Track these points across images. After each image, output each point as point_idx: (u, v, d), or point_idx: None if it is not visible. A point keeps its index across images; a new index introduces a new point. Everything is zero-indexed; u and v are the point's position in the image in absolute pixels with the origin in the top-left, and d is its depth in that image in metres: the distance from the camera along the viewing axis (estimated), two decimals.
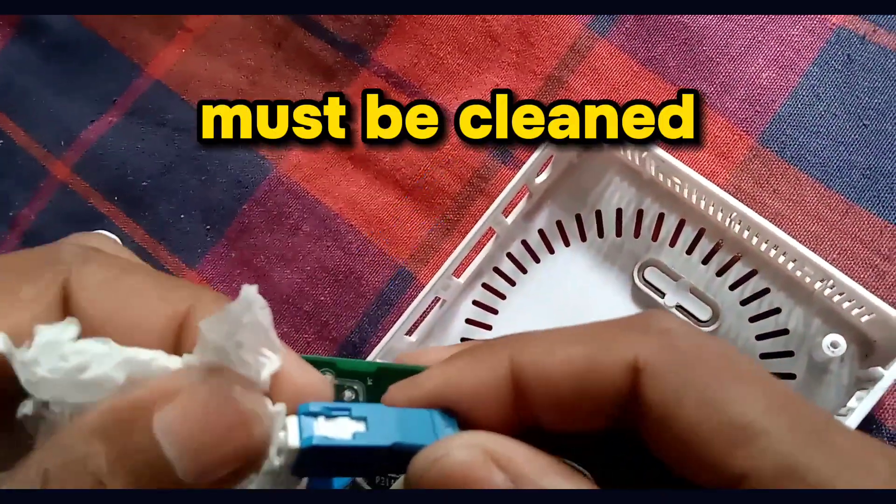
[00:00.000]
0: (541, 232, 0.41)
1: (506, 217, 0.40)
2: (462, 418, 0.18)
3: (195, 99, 0.48)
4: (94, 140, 0.49)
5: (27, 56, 0.51)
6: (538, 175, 0.40)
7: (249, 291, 0.16)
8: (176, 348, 0.18)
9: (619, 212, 0.40)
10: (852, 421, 0.32)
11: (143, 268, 0.20)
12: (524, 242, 0.41)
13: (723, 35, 0.42)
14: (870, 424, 0.35)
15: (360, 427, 0.17)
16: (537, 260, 0.41)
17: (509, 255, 0.41)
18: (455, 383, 0.18)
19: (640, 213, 0.40)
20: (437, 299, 0.40)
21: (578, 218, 0.41)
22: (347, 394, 0.20)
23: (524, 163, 0.39)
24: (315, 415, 0.17)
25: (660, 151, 0.37)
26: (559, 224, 0.41)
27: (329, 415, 0.17)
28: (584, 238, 0.40)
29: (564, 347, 0.17)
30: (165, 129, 0.48)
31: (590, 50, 0.43)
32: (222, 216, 0.46)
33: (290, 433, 0.16)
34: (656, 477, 0.17)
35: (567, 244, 0.41)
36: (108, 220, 0.47)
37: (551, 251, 0.41)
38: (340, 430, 0.17)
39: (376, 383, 0.20)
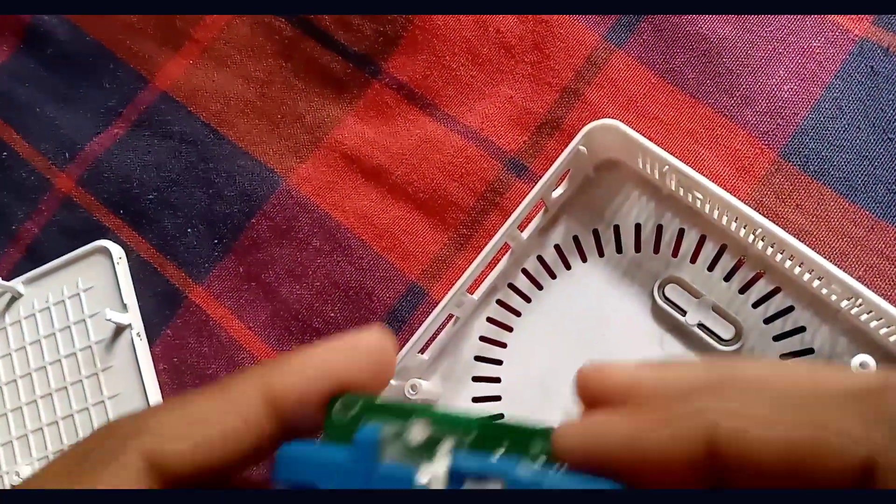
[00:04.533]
0: (557, 247, 0.40)
1: (521, 232, 0.39)
2: (643, 477, 0.16)
3: (202, 111, 0.47)
4: (98, 152, 0.48)
5: (31, 67, 0.50)
6: (554, 189, 0.39)
7: None
8: None
9: (637, 227, 0.39)
10: None
11: None
12: (540, 258, 0.40)
13: (743, 47, 0.41)
14: None
15: None
16: (553, 276, 0.40)
17: (524, 271, 0.40)
18: (641, 444, 0.15)
19: (659, 229, 0.39)
20: (450, 316, 0.39)
21: (596, 233, 0.40)
22: (446, 445, 0.17)
23: (539, 176, 0.38)
24: (467, 474, 0.15)
25: (680, 165, 0.36)
26: (576, 239, 0.40)
27: (481, 476, 0.15)
28: (601, 254, 0.39)
29: (781, 424, 0.14)
30: (172, 141, 0.47)
31: (606, 61, 0.42)
32: (230, 230, 0.45)
33: (436, 478, 0.15)
34: None
35: (584, 260, 0.39)
36: (113, 234, 0.46)
37: (568, 267, 0.40)
38: None
39: (479, 441, 0.17)
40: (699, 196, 0.37)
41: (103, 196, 0.47)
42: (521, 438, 0.17)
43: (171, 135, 0.47)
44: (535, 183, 0.37)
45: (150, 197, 0.46)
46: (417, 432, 0.17)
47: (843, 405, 0.14)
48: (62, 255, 0.45)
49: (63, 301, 0.45)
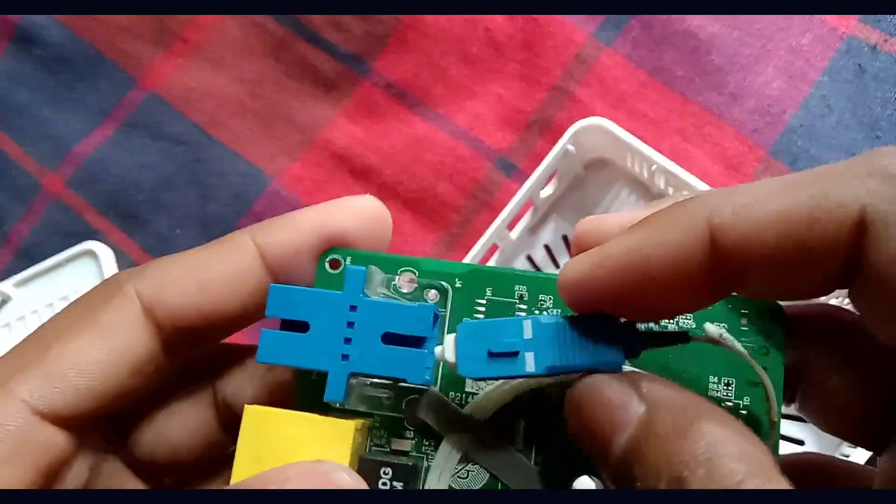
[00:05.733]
0: (546, 247, 0.40)
1: (510, 231, 0.39)
2: (650, 292, 0.15)
3: (193, 112, 0.47)
4: (89, 154, 0.48)
5: (21, 68, 0.50)
6: (543, 188, 0.39)
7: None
8: None
9: None
10: None
11: None
12: (529, 258, 0.40)
13: (731, 44, 0.41)
14: None
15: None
16: None
17: None
18: (643, 251, 0.15)
19: None
20: None
21: None
22: (432, 293, 0.19)
23: (529, 175, 0.38)
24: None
25: (668, 164, 0.36)
26: (565, 238, 0.40)
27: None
28: None
29: (776, 198, 0.14)
30: (163, 142, 0.47)
31: (596, 59, 0.42)
32: (221, 231, 0.44)
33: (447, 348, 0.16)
34: None
35: None
36: (103, 236, 0.46)
37: (557, 266, 0.40)
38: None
39: (466, 286, 0.18)
40: (688, 195, 0.37)
41: (94, 198, 0.47)
42: (505, 283, 0.18)
43: (161, 135, 0.47)
44: (526, 182, 0.37)
45: (141, 198, 0.46)
46: (406, 281, 0.19)
47: (836, 171, 0.14)
48: (52, 256, 0.45)
49: (53, 304, 0.45)
